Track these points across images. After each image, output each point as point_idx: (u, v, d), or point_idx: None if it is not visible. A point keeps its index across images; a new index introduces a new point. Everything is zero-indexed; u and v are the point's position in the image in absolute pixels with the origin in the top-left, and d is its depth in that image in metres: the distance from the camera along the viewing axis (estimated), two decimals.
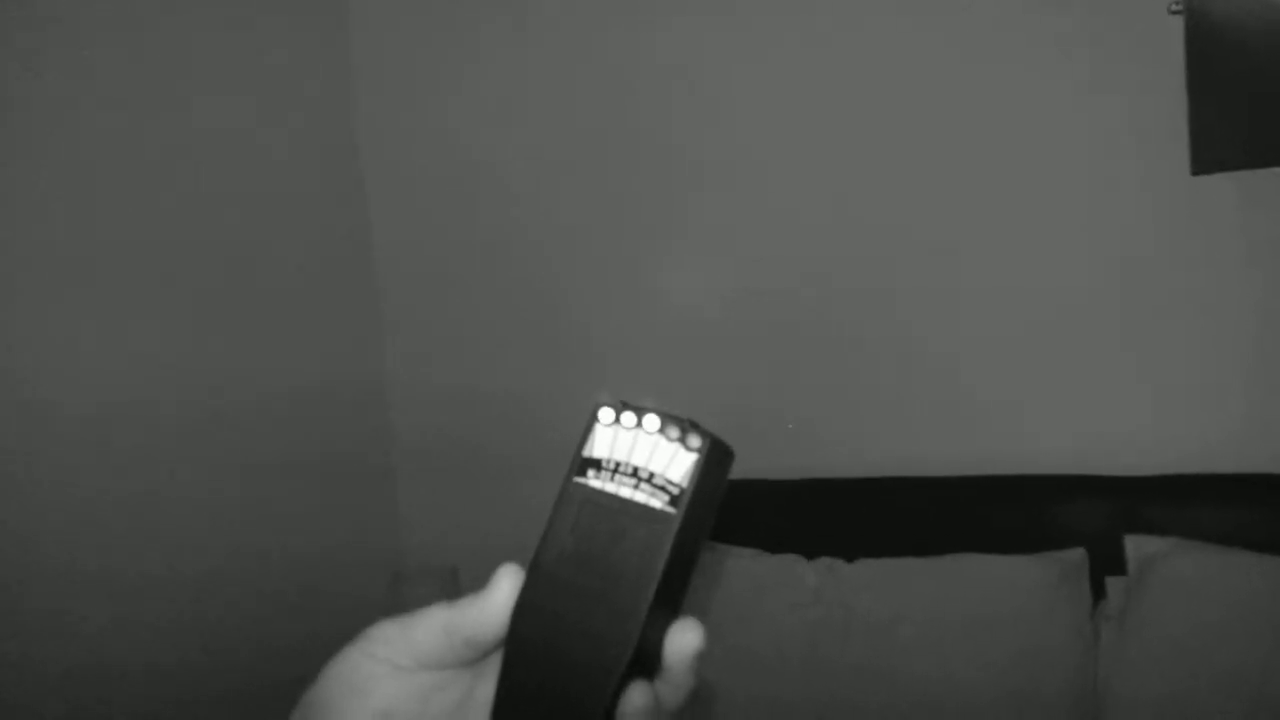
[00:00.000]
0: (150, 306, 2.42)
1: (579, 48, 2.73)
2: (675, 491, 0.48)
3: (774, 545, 2.34)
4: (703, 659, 0.48)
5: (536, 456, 2.73)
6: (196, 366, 2.50)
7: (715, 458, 0.48)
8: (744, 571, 2.30)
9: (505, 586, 0.49)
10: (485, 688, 0.50)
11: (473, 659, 0.50)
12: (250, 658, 2.50)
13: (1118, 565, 2.15)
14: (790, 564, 2.30)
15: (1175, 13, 2.11)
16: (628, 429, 0.49)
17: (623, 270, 2.74)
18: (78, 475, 2.26)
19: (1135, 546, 2.13)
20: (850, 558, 2.29)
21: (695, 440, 0.48)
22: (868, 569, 2.25)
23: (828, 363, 2.55)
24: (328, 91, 2.91)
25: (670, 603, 0.48)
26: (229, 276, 2.59)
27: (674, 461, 0.48)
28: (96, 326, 2.32)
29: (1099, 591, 2.17)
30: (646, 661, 0.47)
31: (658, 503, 0.48)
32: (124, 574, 2.31)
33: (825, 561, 2.29)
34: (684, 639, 0.48)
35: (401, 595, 2.66)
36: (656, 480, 0.48)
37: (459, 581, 2.74)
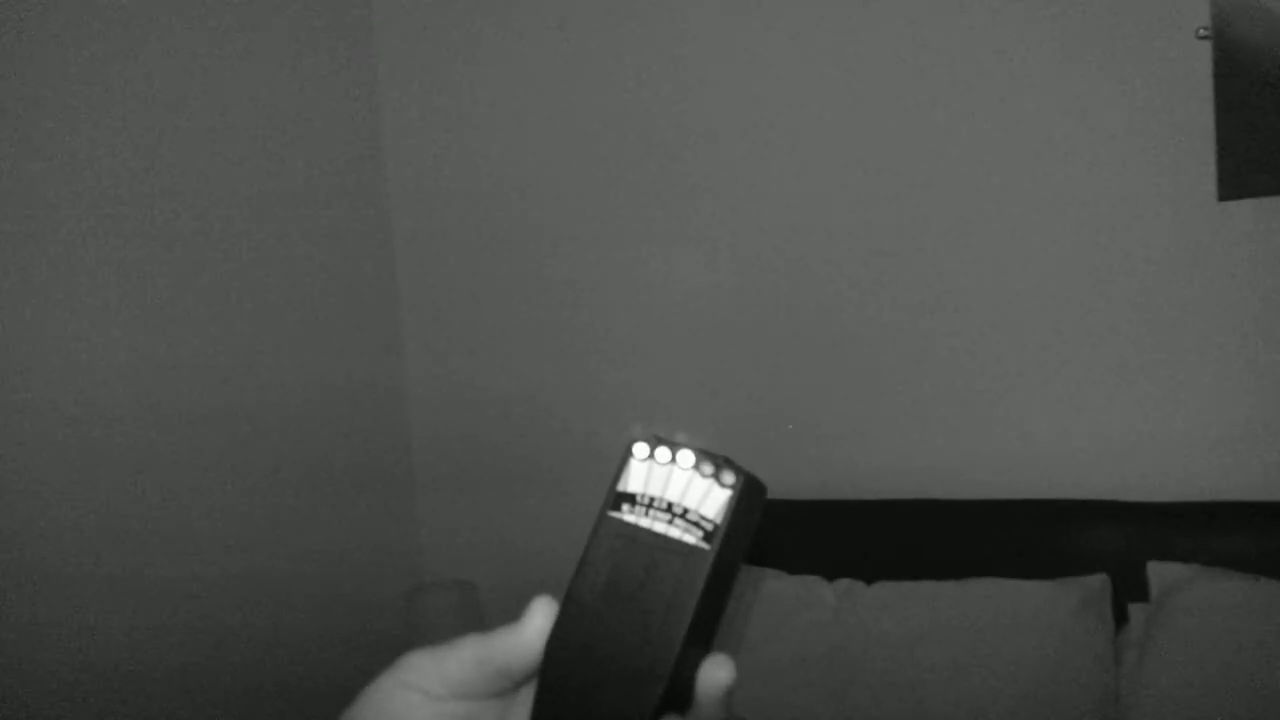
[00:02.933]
0: (170, 310, 2.44)
1: (595, 55, 2.75)
2: (709, 527, 0.48)
3: (794, 566, 2.34)
4: (734, 694, 0.48)
5: (556, 465, 2.76)
6: (216, 372, 2.51)
7: (749, 494, 0.49)
8: (764, 592, 2.30)
9: (539, 618, 0.49)
10: (517, 718, 0.51)
11: (505, 690, 0.51)
12: (267, 664, 2.51)
13: (1140, 591, 2.14)
14: (810, 585, 2.30)
15: (1203, 38, 2.10)
16: (662, 464, 0.49)
17: (643, 279, 2.75)
18: (92, 478, 2.27)
19: (1158, 573, 2.12)
20: (870, 580, 2.28)
21: (729, 476, 0.48)
22: (887, 591, 2.24)
23: (848, 382, 2.55)
24: (351, 98, 2.92)
25: (703, 638, 0.49)
26: (250, 281, 2.61)
27: (708, 497, 0.48)
28: (115, 329, 2.33)
29: (1121, 617, 2.16)
30: (679, 696, 0.48)
31: (692, 538, 0.48)
32: (140, 579, 2.32)
33: (845, 583, 2.29)
34: (716, 675, 0.48)
35: (420, 608, 2.66)
36: (690, 516, 0.48)
37: (477, 595, 2.74)
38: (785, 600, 2.29)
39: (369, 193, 2.96)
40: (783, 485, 2.39)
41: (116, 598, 2.27)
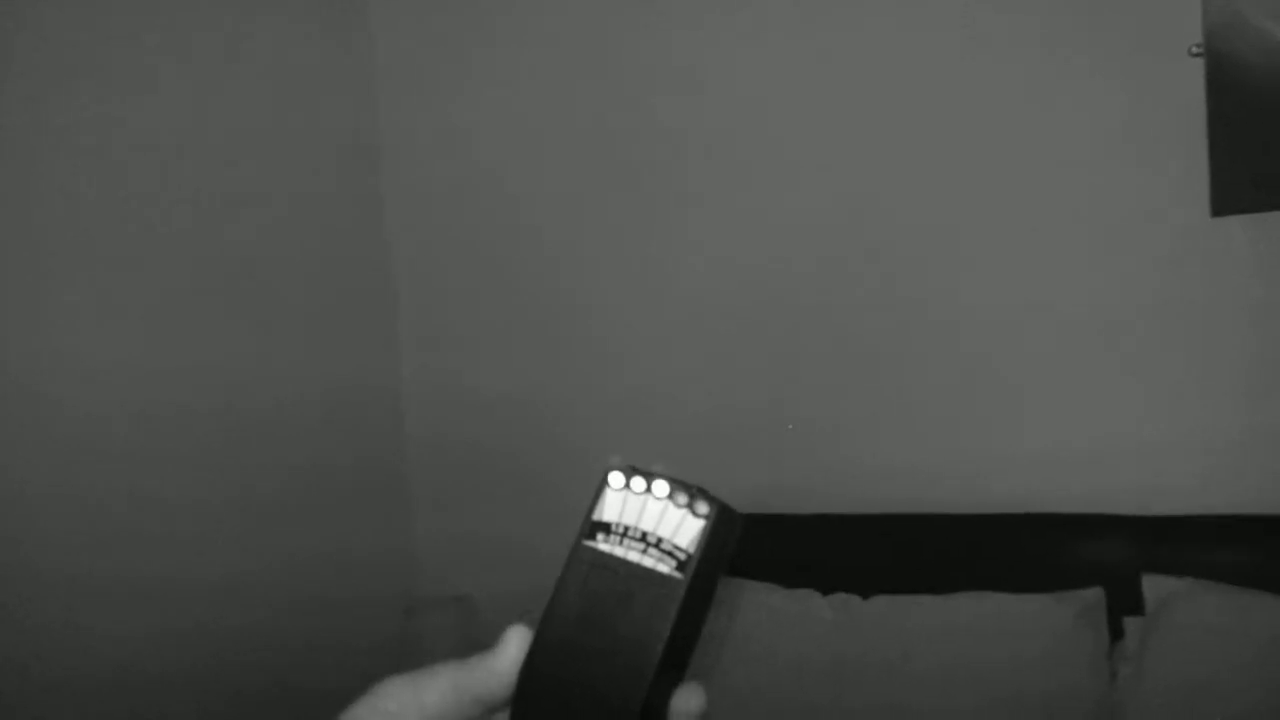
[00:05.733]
0: (164, 316, 2.44)
1: (592, 55, 2.75)
2: (683, 557, 0.48)
3: (790, 580, 2.34)
4: None
5: (554, 474, 2.75)
6: (210, 380, 2.51)
7: (723, 523, 0.49)
8: (760, 606, 2.30)
9: (513, 647, 0.50)
10: None
11: (480, 717, 0.51)
12: (261, 675, 2.51)
13: (1136, 605, 2.14)
14: (806, 599, 2.30)
15: (1196, 55, 2.11)
16: (637, 494, 0.50)
17: (642, 282, 2.75)
18: (87, 480, 2.27)
19: (1153, 587, 2.12)
20: (866, 594, 2.28)
21: (703, 506, 0.49)
22: (883, 605, 2.24)
23: (843, 396, 2.55)
24: (346, 98, 2.93)
25: (676, 665, 0.49)
26: (244, 282, 2.61)
27: (682, 527, 0.49)
28: (109, 330, 2.34)
29: (1117, 631, 2.16)
30: None
31: (665, 568, 0.48)
32: (133, 585, 2.32)
33: (841, 597, 2.29)
34: (689, 703, 0.49)
35: (417, 626, 2.66)
36: (665, 545, 0.49)
37: (475, 609, 2.74)
38: (782, 614, 2.29)
39: (364, 195, 2.96)
40: (779, 499, 2.40)
41: (108, 602, 2.27)
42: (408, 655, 2.62)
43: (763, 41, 2.58)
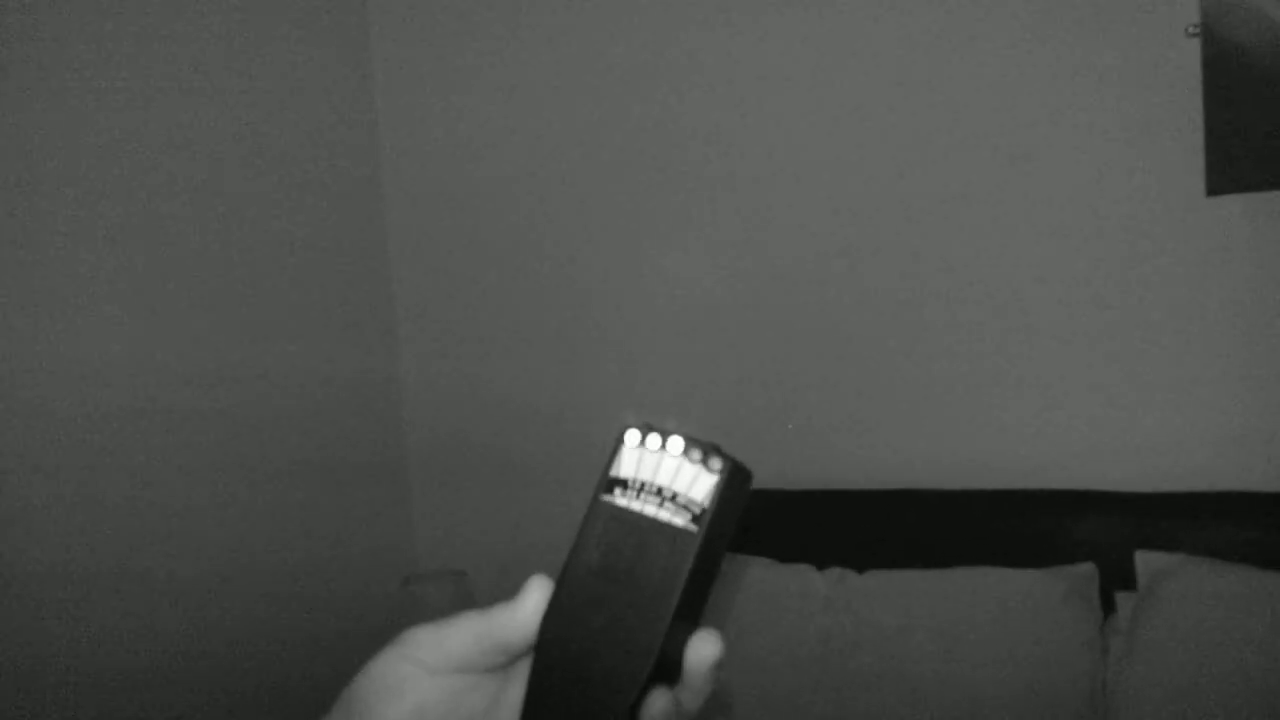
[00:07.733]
0: (164, 307, 2.45)
1: (591, 52, 2.76)
2: (697, 510, 0.50)
3: (785, 555, 2.36)
4: (721, 667, 0.51)
5: (548, 460, 2.78)
6: (210, 368, 2.52)
7: (735, 479, 0.51)
8: (755, 581, 2.32)
9: (535, 596, 0.51)
10: (514, 691, 0.53)
11: (503, 664, 0.53)
12: (262, 658, 2.52)
13: (1128, 580, 2.16)
14: (801, 574, 2.32)
15: (1193, 35, 2.12)
16: (653, 451, 0.51)
17: (636, 274, 2.76)
18: (87, 475, 2.28)
19: (1145, 562, 2.14)
20: (861, 568, 2.30)
21: (717, 463, 0.51)
22: (878, 580, 2.27)
23: (841, 373, 2.57)
24: (345, 95, 2.94)
25: (691, 614, 0.51)
26: (244, 278, 2.62)
27: (696, 482, 0.51)
28: (109, 327, 2.35)
29: (1109, 606, 2.19)
30: (668, 669, 0.50)
31: (680, 521, 0.50)
32: (135, 575, 2.34)
33: (836, 572, 2.31)
34: (704, 649, 0.51)
35: (411, 596, 2.68)
36: (680, 500, 0.51)
37: (468, 584, 2.76)
38: (777, 589, 2.31)
39: (364, 189, 2.97)
40: (777, 475, 2.42)
41: (107, 595, 2.28)
42: (405, 619, 2.65)
43: (759, 40, 2.59)
